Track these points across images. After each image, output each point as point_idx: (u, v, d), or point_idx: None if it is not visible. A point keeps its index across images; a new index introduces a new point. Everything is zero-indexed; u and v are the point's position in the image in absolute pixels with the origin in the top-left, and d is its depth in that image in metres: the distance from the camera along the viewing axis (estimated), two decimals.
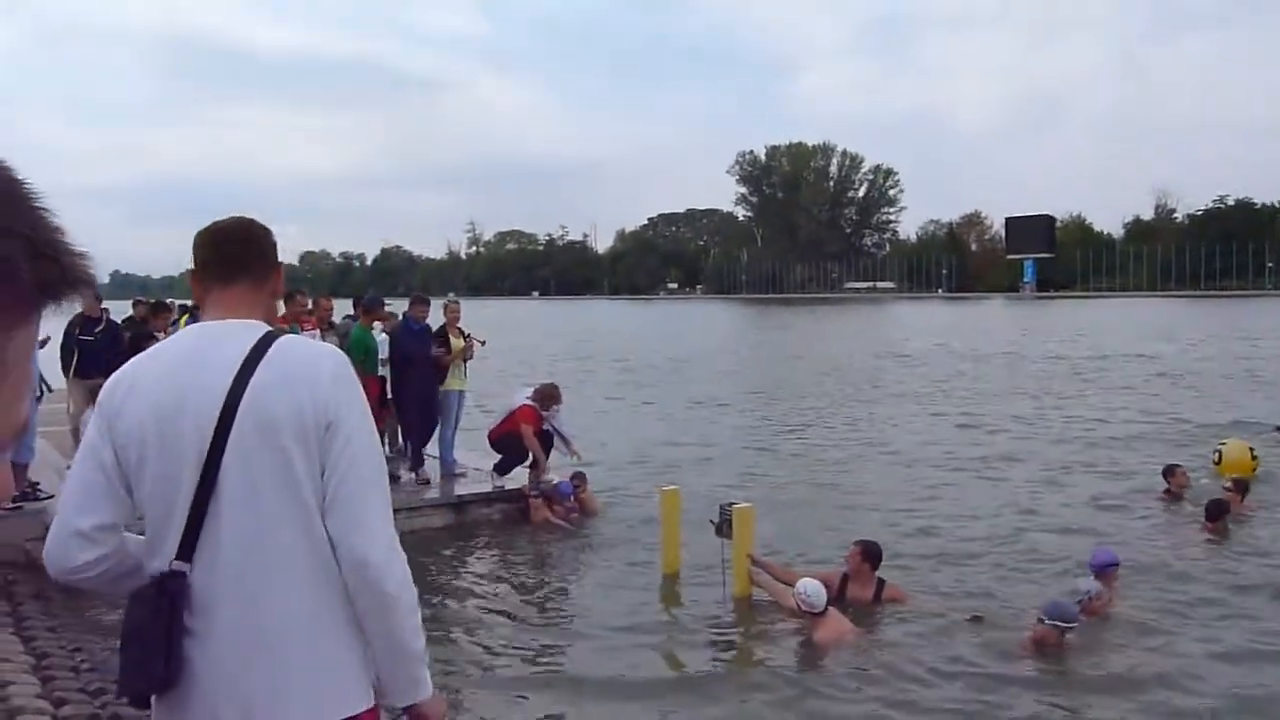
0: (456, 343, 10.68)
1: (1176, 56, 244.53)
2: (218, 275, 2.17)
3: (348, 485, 2.03)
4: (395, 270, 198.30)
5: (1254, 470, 11.56)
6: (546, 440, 10.55)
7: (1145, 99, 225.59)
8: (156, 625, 1.99)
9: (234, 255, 2.18)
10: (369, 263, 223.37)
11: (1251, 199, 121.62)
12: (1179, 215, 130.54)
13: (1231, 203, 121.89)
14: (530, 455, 10.40)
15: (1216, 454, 11.99)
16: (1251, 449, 12.00)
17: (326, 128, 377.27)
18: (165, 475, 2.02)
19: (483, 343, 11.28)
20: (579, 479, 10.65)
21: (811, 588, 6.76)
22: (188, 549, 2.01)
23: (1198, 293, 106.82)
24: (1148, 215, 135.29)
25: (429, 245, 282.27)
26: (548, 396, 10.62)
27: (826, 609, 6.72)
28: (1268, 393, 21.49)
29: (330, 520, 2.03)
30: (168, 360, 2.11)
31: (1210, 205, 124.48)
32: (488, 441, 10.66)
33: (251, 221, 2.26)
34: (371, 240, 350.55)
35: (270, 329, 2.12)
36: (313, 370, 2.05)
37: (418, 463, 10.58)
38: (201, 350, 2.08)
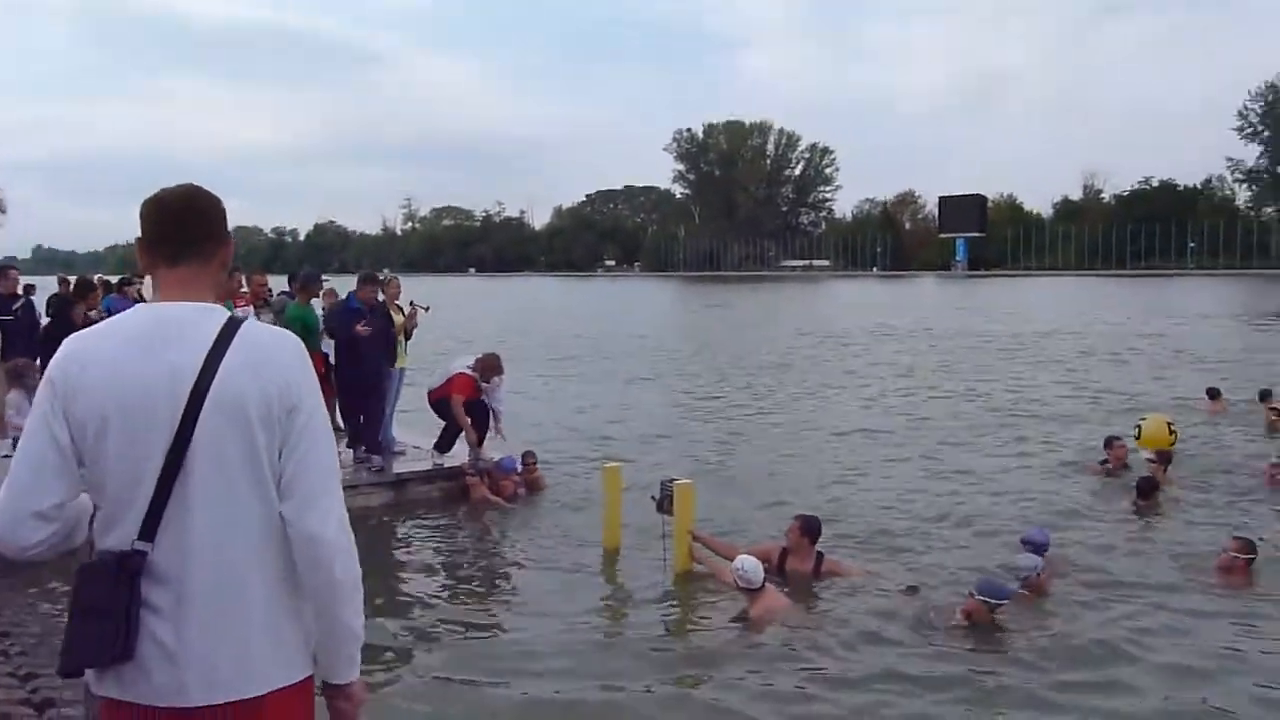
0: (398, 319, 10.56)
1: (1109, 41, 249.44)
2: (166, 254, 2.18)
3: (305, 467, 2.12)
4: (329, 246, 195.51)
5: (1172, 444, 11.92)
6: (481, 411, 10.44)
7: (1076, 83, 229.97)
8: (116, 601, 2.04)
9: (182, 233, 2.18)
10: (302, 238, 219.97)
11: (1175, 181, 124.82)
12: (1106, 196, 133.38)
13: (1156, 184, 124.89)
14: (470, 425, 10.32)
15: (1137, 428, 12.33)
16: (1170, 423, 12.36)
17: (260, 101, 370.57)
18: (129, 455, 2.06)
19: (426, 309, 11.15)
20: (529, 456, 10.61)
21: (749, 564, 6.83)
22: (151, 527, 2.06)
23: (1123, 272, 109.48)
24: (1076, 196, 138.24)
25: (364, 221, 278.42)
26: (489, 367, 10.50)
27: (764, 585, 6.80)
28: (1194, 368, 22.17)
29: (286, 500, 2.12)
30: (127, 341, 2.11)
31: (1136, 186, 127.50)
32: (427, 400, 10.60)
33: (198, 192, 2.23)
34: (305, 216, 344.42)
35: (232, 316, 2.16)
36: (277, 357, 2.14)
37: (372, 448, 10.25)
38: (165, 334, 2.10)
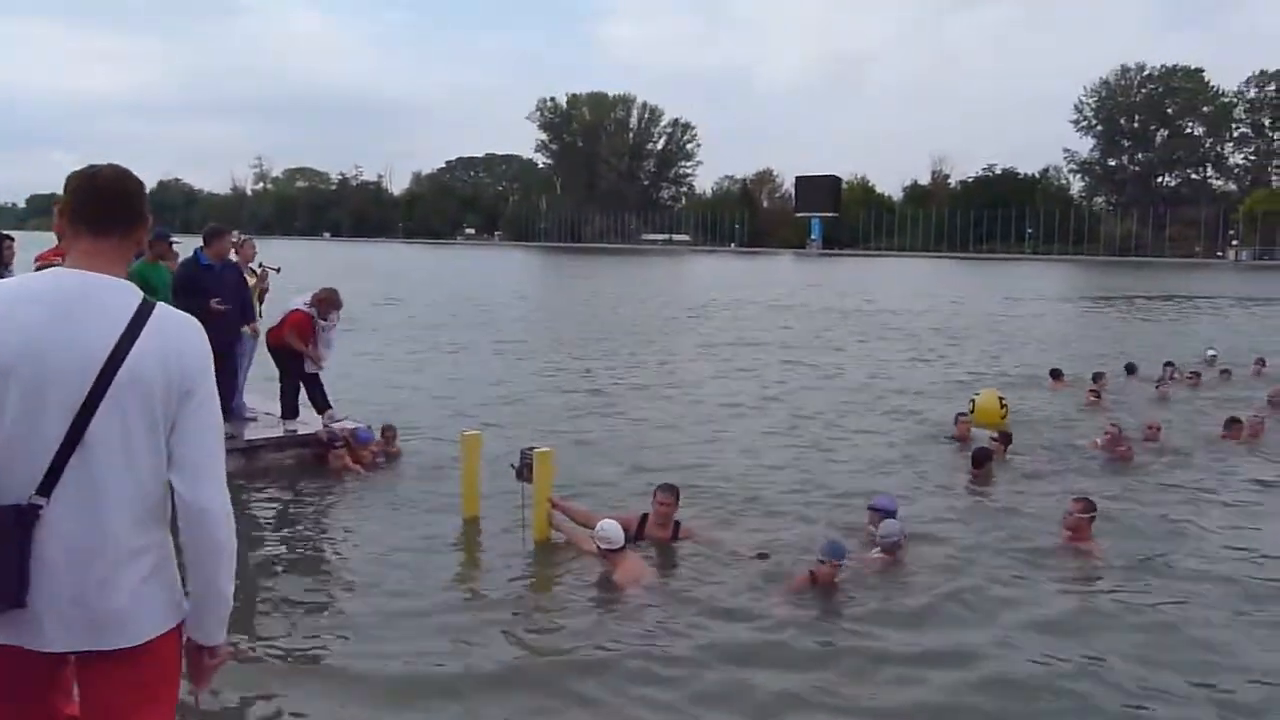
0: (252, 282, 10.23)
1: (960, 33, 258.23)
2: (92, 229, 2.36)
3: (196, 445, 2.36)
4: (174, 205, 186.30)
5: (1003, 418, 12.58)
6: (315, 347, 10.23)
7: (928, 71, 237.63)
8: (10, 552, 2.23)
9: (111, 212, 2.37)
10: None
11: (1016, 169, 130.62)
12: (953, 181, 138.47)
13: (999, 172, 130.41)
14: (308, 388, 10.18)
15: (971, 402, 12.97)
16: (1001, 398, 13.05)
17: (102, 48, 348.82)
18: (31, 415, 2.23)
19: (277, 269, 10.84)
20: (389, 431, 10.45)
21: (610, 528, 6.94)
22: (49, 485, 2.25)
23: (966, 254, 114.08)
24: (925, 180, 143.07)
25: (212, 180, 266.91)
26: (326, 302, 10.21)
27: (623, 548, 6.93)
28: (1037, 346, 23.42)
29: (177, 473, 2.35)
30: (37, 304, 2.25)
31: (980, 173, 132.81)
32: (267, 345, 10.36)
33: (128, 175, 2.44)
34: (148, 171, 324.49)
35: (146, 299, 2.36)
36: (183, 344, 2.36)
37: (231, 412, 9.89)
38: (82, 304, 2.27)
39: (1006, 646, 5.93)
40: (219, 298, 9.21)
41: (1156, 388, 15.76)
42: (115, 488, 2.28)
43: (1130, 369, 17.41)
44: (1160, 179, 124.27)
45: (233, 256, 9.94)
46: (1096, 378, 15.85)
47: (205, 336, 2.44)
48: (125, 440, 2.27)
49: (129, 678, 2.37)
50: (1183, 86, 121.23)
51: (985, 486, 9.76)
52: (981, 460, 10.04)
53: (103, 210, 2.36)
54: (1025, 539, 7.97)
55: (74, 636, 2.31)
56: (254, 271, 10.40)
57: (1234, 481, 10.19)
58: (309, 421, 10.30)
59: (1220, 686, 5.41)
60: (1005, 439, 10.95)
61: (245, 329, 9.93)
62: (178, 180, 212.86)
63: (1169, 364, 17.16)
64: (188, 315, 2.44)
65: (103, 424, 2.25)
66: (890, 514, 7.75)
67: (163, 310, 2.37)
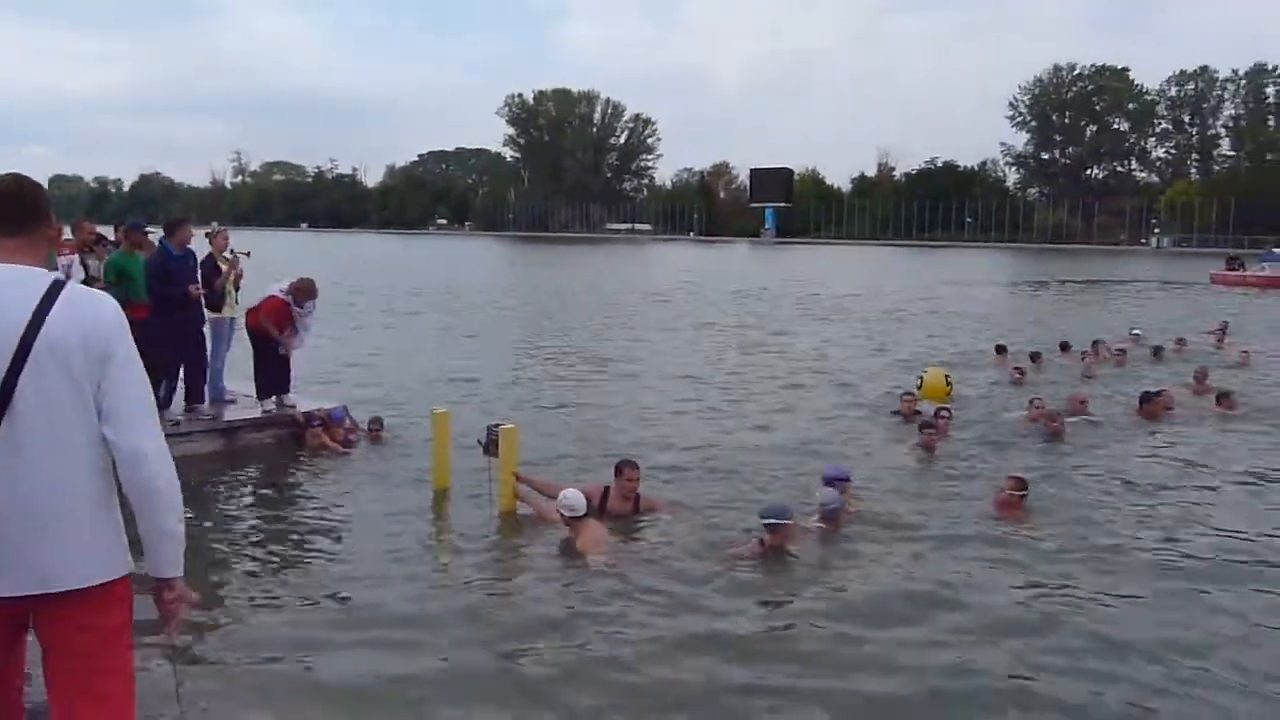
0: (225, 269, 10.13)
1: (904, 31, 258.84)
2: (1, 230, 2.52)
3: (123, 399, 2.50)
4: (155, 198, 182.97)
5: (948, 394, 12.77)
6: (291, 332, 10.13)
7: (875, 68, 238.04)
8: None
9: (9, 216, 2.53)
10: (126, 189, 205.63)
11: (956, 162, 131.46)
12: (897, 174, 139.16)
13: (940, 164, 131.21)
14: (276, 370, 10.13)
15: (919, 380, 13.13)
16: (947, 376, 13.23)
17: (85, 49, 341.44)
18: None
19: (247, 254, 10.73)
20: (375, 424, 10.32)
21: (573, 496, 6.99)
22: None
23: (910, 242, 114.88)
24: (871, 172, 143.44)
25: (192, 174, 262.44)
26: (302, 290, 10.10)
27: (585, 516, 6.97)
28: (977, 328, 23.70)
29: (108, 423, 2.48)
30: None
31: (923, 166, 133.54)
32: (246, 326, 10.28)
33: (21, 181, 2.60)
34: (130, 166, 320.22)
35: (56, 279, 2.52)
36: (93, 312, 2.50)
37: (197, 398, 9.81)
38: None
39: (939, 611, 5.94)
40: (194, 284, 9.22)
41: (1083, 358, 16.02)
42: (45, 446, 2.41)
43: (1064, 347, 17.68)
44: (1089, 171, 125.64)
45: (201, 246, 9.83)
46: (1034, 357, 16.08)
47: (116, 306, 2.58)
48: (48, 403, 2.41)
49: (81, 619, 2.50)
50: (1110, 85, 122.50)
51: (927, 460, 9.84)
52: (927, 433, 10.09)
53: (5, 214, 2.53)
54: (962, 512, 8.01)
55: (20, 583, 2.44)
56: (226, 259, 10.28)
57: (1155, 453, 10.36)
58: (293, 402, 10.26)
59: (1139, 657, 5.42)
60: (946, 415, 11.06)
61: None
62: (158, 174, 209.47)
63: (1097, 341, 17.48)
64: (98, 292, 2.66)
65: (27, 390, 2.40)
66: (843, 480, 7.81)
67: (74, 287, 2.54)
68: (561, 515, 6.99)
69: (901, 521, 7.73)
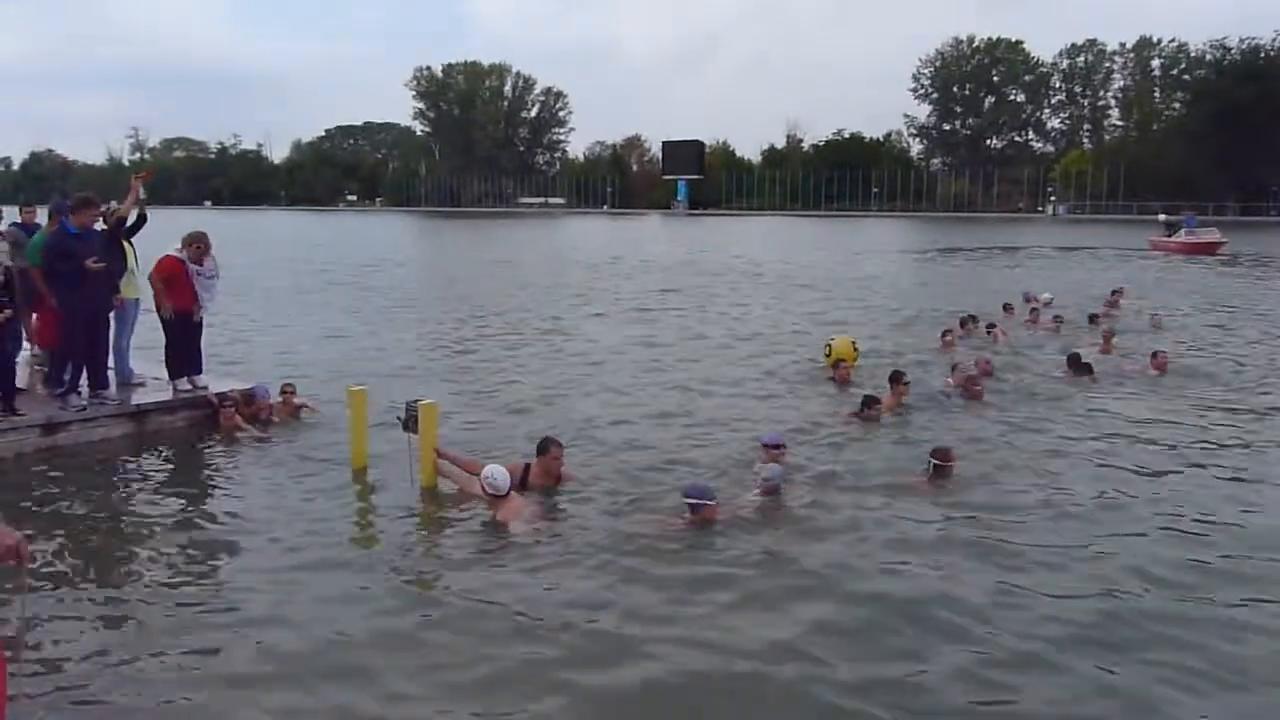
0: (128, 249, 9.81)
1: (810, 5, 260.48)
2: None
3: None
4: (47, 176, 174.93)
5: (855, 360, 13.06)
6: (194, 297, 9.84)
7: (783, 40, 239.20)
8: None
9: None
10: (16, 167, 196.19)
11: (862, 133, 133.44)
12: (806, 145, 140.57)
13: (847, 135, 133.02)
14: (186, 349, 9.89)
15: (828, 347, 13.40)
16: (854, 342, 13.53)
17: None
18: None
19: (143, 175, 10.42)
20: (288, 387, 10.19)
21: (497, 472, 7.00)
22: None
23: (819, 213, 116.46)
24: (781, 144, 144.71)
25: (86, 151, 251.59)
26: (196, 245, 9.78)
27: (509, 492, 6.99)
28: (888, 293, 24.16)
29: None
30: None
31: (830, 137, 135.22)
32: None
33: None
34: (18, 143, 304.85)
35: None
36: None
37: (102, 384, 9.42)
38: None
39: (869, 580, 5.98)
40: (98, 268, 8.85)
41: (988, 331, 16.06)
42: None
43: (1006, 308, 18.17)
44: (988, 142, 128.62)
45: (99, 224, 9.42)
46: (964, 322, 16.39)
47: None
48: None
49: None
50: (1006, 57, 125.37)
51: (865, 428, 9.75)
52: (871, 404, 10.01)
53: None
54: (890, 479, 8.04)
55: None
56: (127, 238, 9.94)
57: (1074, 414, 10.57)
58: (205, 383, 10.03)
59: (1051, 612, 5.68)
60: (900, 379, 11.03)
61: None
62: (50, 151, 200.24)
63: (1008, 306, 18.25)
64: None
65: None
66: (779, 448, 7.88)
67: None
68: (485, 491, 7.00)
69: (832, 488, 7.76)
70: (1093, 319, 17.80)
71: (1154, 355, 13.06)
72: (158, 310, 9.84)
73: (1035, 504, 7.47)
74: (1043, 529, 6.93)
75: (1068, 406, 10.98)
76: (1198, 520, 7.09)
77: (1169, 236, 45.29)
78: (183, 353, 9.90)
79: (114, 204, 10.31)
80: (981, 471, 8.30)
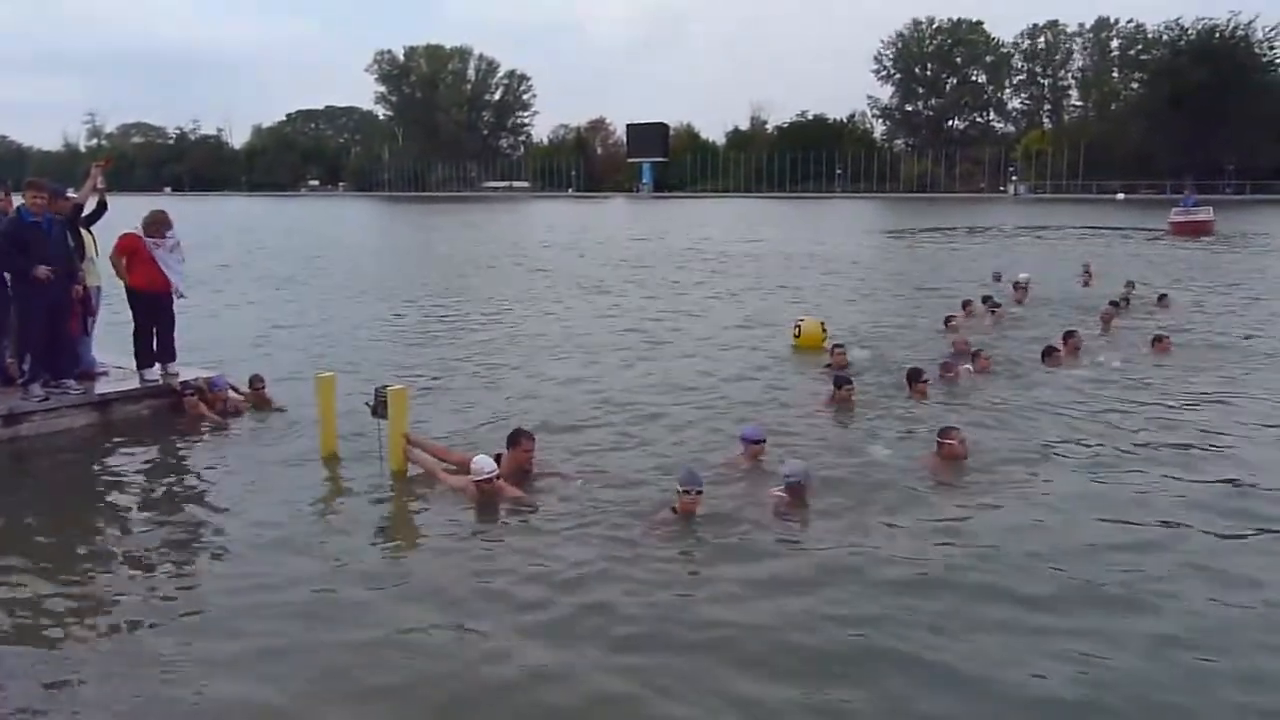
0: (88, 238, 9.64)
1: None
2: None
3: None
4: (3, 162, 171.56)
5: (823, 341, 13.14)
6: (159, 276, 9.70)
7: (747, 23, 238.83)
8: None
9: None
10: None
11: (826, 115, 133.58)
12: (770, 127, 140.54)
13: (811, 118, 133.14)
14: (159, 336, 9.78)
15: (797, 328, 13.46)
16: (823, 324, 13.61)
17: None
18: None
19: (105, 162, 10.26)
20: (258, 381, 10.07)
21: (486, 461, 6.98)
22: None
23: (784, 194, 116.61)
24: (745, 126, 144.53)
25: (41, 137, 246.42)
26: (153, 222, 9.68)
27: (493, 479, 6.96)
28: (854, 273, 24.28)
29: None
30: None
31: (795, 119, 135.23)
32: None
33: None
34: None
35: None
36: None
37: (64, 373, 9.26)
38: None
39: (866, 568, 5.90)
40: (45, 258, 8.68)
41: (963, 310, 16.00)
42: None
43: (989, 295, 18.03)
44: (951, 122, 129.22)
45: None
46: (965, 305, 16.30)
47: None
48: None
49: None
50: (967, 38, 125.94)
51: (840, 413, 9.63)
52: (842, 384, 9.90)
53: None
54: (885, 460, 8.00)
55: None
56: (86, 226, 9.76)
57: (1062, 395, 10.45)
58: (176, 371, 9.92)
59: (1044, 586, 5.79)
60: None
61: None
62: (5, 138, 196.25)
63: (967, 302, 18.01)
64: None
65: None
66: (759, 442, 7.75)
67: None
68: (476, 484, 6.93)
69: (829, 474, 7.60)
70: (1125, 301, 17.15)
71: (1156, 340, 12.86)
72: (133, 299, 9.74)
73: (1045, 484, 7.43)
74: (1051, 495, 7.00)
75: (1061, 385, 10.88)
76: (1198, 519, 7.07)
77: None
78: (152, 339, 9.75)
79: (71, 191, 10.11)
80: (991, 455, 8.13)
